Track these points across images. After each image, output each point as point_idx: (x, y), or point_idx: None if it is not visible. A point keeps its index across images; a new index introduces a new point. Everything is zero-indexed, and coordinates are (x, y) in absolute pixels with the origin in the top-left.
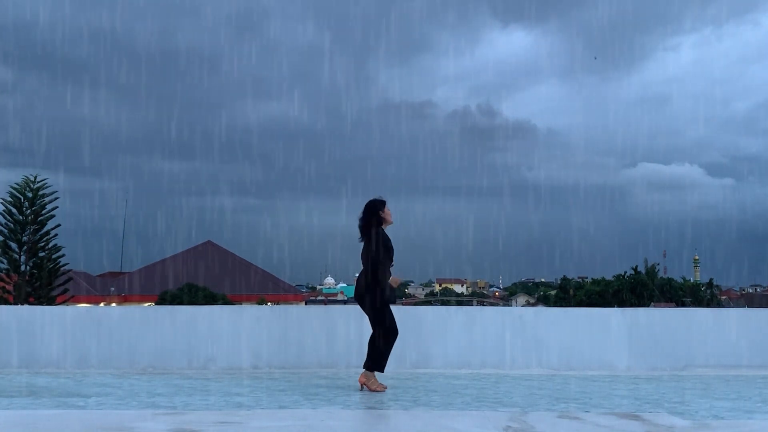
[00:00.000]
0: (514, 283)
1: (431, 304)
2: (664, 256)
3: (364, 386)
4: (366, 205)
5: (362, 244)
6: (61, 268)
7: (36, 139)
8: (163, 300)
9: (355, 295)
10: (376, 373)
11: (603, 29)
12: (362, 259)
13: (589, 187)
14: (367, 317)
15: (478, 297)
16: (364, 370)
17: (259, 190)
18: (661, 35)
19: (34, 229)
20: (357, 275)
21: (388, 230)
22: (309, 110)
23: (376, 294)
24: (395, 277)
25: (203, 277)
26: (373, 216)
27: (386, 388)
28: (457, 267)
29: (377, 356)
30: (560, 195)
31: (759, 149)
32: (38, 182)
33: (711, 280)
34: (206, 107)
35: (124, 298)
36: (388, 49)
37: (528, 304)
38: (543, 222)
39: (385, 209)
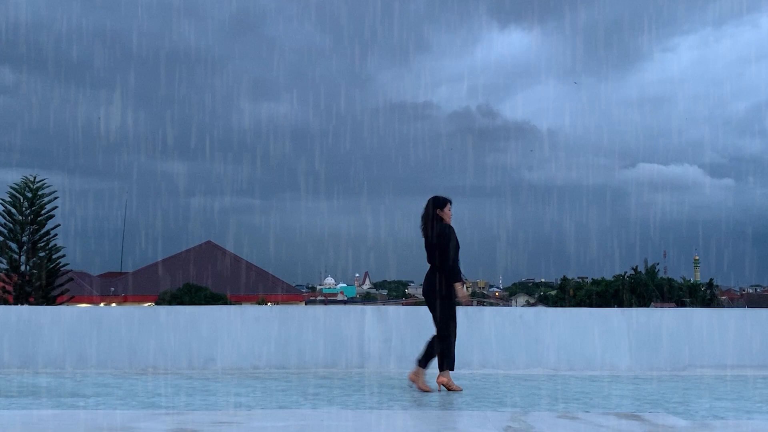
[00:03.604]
0: (514, 283)
1: None
2: (664, 256)
3: (443, 386)
4: (427, 202)
5: (424, 240)
6: (61, 268)
7: (36, 139)
8: (163, 300)
9: (424, 291)
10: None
11: (602, 30)
12: (431, 254)
13: (588, 187)
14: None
15: (478, 297)
16: (415, 369)
17: (259, 190)
18: (659, 36)
19: (33, 229)
20: (427, 273)
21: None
22: (309, 110)
23: (451, 291)
24: (464, 292)
25: (203, 277)
26: (431, 213)
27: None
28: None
29: (450, 353)
30: (560, 195)
31: (759, 149)
32: (38, 182)
33: (711, 280)
34: (206, 107)
35: (124, 298)
36: (388, 49)
37: (528, 304)
38: (543, 222)
39: (445, 208)
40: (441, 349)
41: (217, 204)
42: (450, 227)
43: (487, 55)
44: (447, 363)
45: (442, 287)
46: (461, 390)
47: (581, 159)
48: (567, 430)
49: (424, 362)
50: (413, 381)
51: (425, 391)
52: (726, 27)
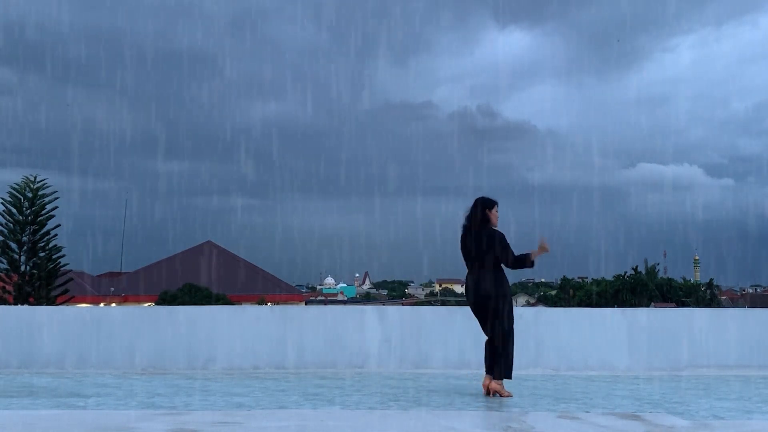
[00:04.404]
0: (514, 283)
1: (431, 304)
2: (664, 256)
3: (496, 393)
4: (474, 203)
5: (465, 239)
6: (61, 269)
7: (36, 139)
8: (163, 300)
9: (475, 297)
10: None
11: (602, 30)
12: (477, 257)
13: (588, 187)
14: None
15: None
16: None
17: (259, 190)
18: (659, 36)
19: (33, 229)
20: (470, 275)
21: None
22: (309, 111)
23: (507, 288)
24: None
25: (203, 277)
26: (480, 213)
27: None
28: (457, 267)
29: (510, 362)
30: (560, 195)
31: (758, 149)
32: (38, 182)
33: (711, 280)
34: (206, 107)
35: (124, 298)
36: (388, 49)
37: (528, 304)
38: (543, 222)
39: (493, 210)
40: (508, 350)
41: (217, 204)
42: (500, 232)
43: (487, 55)
44: (508, 371)
45: (497, 285)
46: (512, 396)
47: (581, 159)
48: (567, 430)
49: (490, 369)
50: (496, 390)
51: (508, 396)
52: (726, 27)
